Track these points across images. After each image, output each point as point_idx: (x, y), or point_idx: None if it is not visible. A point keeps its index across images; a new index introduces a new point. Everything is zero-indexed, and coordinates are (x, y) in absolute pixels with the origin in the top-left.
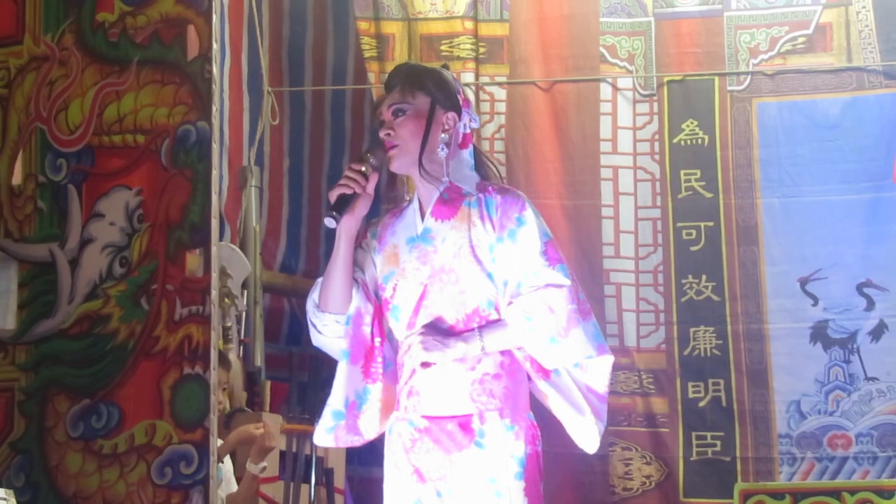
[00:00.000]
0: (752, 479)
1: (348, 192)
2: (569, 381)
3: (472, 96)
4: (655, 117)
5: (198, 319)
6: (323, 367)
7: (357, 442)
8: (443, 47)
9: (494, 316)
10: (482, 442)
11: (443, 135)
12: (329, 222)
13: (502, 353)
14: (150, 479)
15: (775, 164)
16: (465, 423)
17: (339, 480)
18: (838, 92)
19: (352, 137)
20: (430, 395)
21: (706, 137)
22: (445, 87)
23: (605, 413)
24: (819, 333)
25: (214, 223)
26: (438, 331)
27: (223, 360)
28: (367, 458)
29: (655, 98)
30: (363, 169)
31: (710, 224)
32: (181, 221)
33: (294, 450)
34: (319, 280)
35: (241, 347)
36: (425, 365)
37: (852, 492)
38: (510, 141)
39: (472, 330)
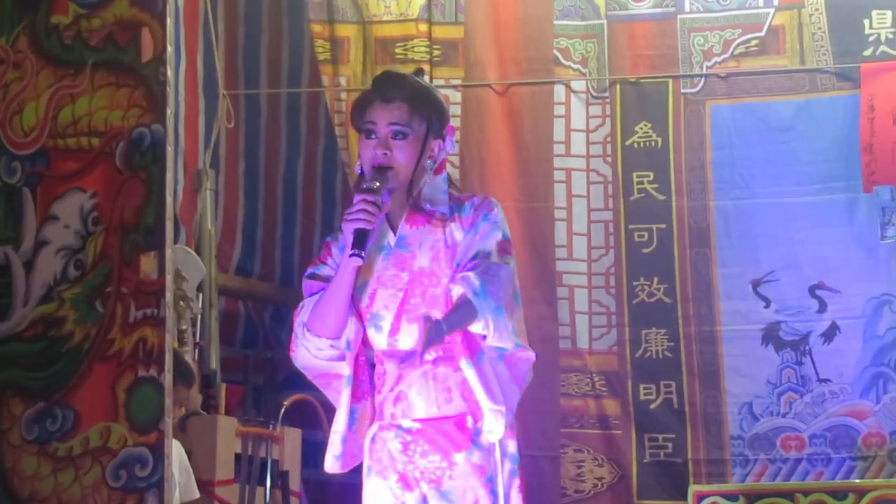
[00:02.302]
0: (704, 480)
1: (369, 227)
2: (488, 367)
3: None
4: (608, 119)
5: (152, 322)
6: (278, 371)
7: (356, 462)
8: (397, 50)
9: None
10: (479, 441)
11: (428, 161)
12: (355, 261)
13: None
14: (104, 482)
15: (728, 167)
16: (460, 423)
17: (295, 483)
18: (791, 94)
19: (307, 140)
20: (420, 398)
21: (659, 139)
22: (443, 116)
23: (513, 411)
24: (771, 335)
25: (169, 226)
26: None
27: (188, 376)
28: (322, 461)
29: (608, 100)
30: (376, 199)
31: (663, 226)
32: (136, 224)
33: (249, 453)
34: (308, 302)
35: (197, 350)
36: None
37: (806, 493)
38: (465, 144)
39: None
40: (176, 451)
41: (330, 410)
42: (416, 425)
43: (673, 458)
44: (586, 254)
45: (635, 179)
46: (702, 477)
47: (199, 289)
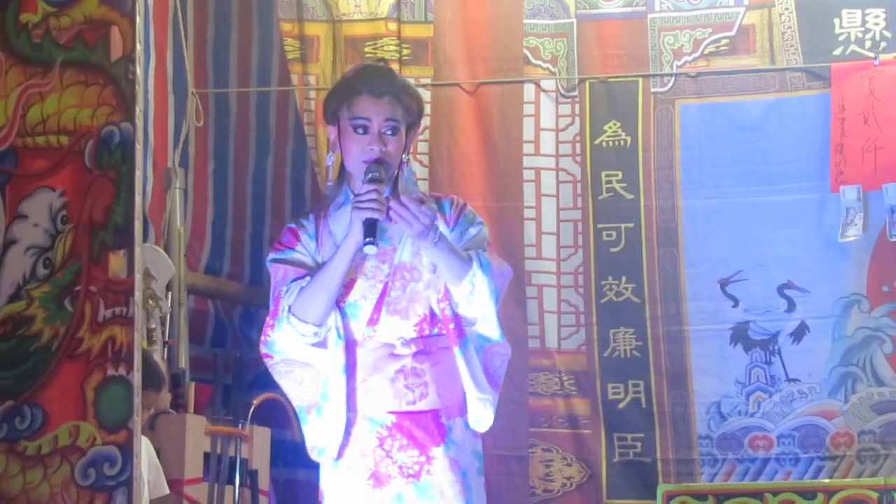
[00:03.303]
0: (673, 480)
1: (380, 217)
2: (474, 355)
3: None
4: (577, 119)
5: (121, 321)
6: (247, 370)
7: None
8: (367, 49)
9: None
10: (453, 437)
11: (404, 155)
12: (370, 249)
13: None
14: (73, 481)
15: (697, 166)
16: (436, 418)
17: (264, 482)
18: (761, 93)
19: (276, 139)
20: (396, 390)
21: (629, 139)
22: (419, 110)
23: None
24: (740, 335)
25: (138, 224)
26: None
27: (157, 380)
28: (291, 460)
29: (578, 99)
30: (378, 189)
31: (631, 225)
32: (105, 223)
33: (219, 451)
34: (294, 286)
35: (166, 349)
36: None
37: (774, 492)
38: (434, 143)
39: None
40: (145, 448)
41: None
42: (392, 418)
43: (642, 458)
44: (555, 253)
45: (604, 179)
46: (671, 476)
47: (169, 288)
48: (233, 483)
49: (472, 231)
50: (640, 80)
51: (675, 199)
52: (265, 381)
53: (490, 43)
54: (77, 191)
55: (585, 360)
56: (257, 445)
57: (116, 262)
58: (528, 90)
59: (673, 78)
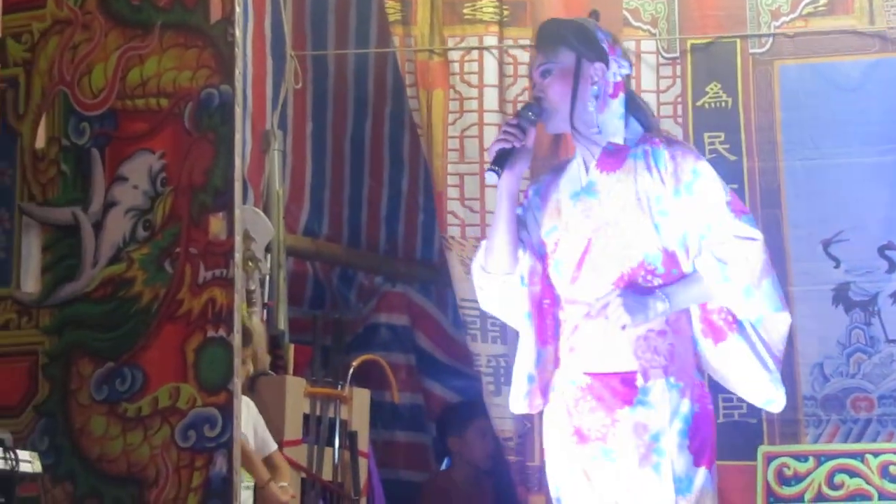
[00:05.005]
0: (778, 441)
1: (507, 146)
2: (755, 336)
3: (494, 60)
4: (678, 80)
5: (221, 283)
6: (346, 331)
7: (541, 406)
8: (465, 10)
9: (661, 270)
10: (645, 399)
11: (592, 87)
12: (490, 177)
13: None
14: (173, 442)
15: (797, 127)
16: (628, 380)
17: (363, 444)
18: (860, 54)
19: (374, 101)
20: (593, 351)
21: (729, 100)
22: (588, 39)
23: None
24: (841, 296)
25: (237, 187)
26: (636, 291)
27: (244, 335)
28: (389, 422)
29: (678, 61)
30: (520, 122)
31: (734, 187)
32: (204, 185)
33: (318, 413)
34: (483, 243)
35: (265, 311)
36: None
37: (875, 454)
38: None
39: (654, 290)
40: (246, 407)
41: (399, 371)
42: (587, 380)
43: (748, 419)
44: None
45: (706, 140)
46: (776, 437)
47: (268, 249)
48: (332, 445)
49: (711, 216)
50: (738, 41)
51: (776, 160)
52: (364, 342)
53: (589, 4)
54: (176, 153)
55: None
56: (356, 407)
57: (216, 224)
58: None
59: (771, 39)
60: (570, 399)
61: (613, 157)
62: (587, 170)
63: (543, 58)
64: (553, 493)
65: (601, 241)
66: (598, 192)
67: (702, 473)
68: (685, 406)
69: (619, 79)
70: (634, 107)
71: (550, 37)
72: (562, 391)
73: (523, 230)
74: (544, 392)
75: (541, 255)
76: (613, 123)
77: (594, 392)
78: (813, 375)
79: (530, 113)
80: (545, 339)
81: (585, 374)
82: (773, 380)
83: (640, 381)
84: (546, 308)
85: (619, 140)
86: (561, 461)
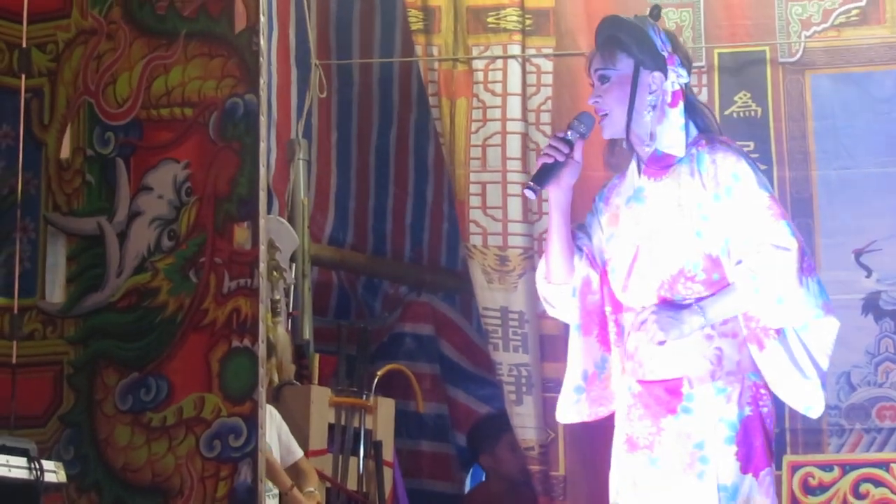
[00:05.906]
0: (801, 450)
1: (549, 161)
2: (796, 343)
3: (518, 69)
4: (705, 89)
5: (246, 292)
6: (371, 341)
7: (603, 413)
8: (489, 19)
9: (701, 276)
10: (689, 406)
11: (649, 97)
12: (529, 194)
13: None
14: (198, 452)
15: (831, 137)
16: (674, 388)
17: (388, 453)
18: (893, 64)
19: (399, 110)
20: (643, 359)
21: (759, 109)
22: (648, 47)
23: (826, 379)
24: (871, 305)
25: (262, 196)
26: (670, 306)
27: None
28: (415, 432)
29: (705, 70)
30: (567, 136)
31: None
32: (229, 194)
33: (343, 423)
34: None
35: (290, 320)
36: (660, 343)
37: None
38: (556, 113)
39: (691, 304)
40: (269, 416)
41: (423, 380)
42: (638, 388)
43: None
44: None
45: None
46: (798, 447)
47: (293, 259)
48: (357, 454)
49: (748, 221)
50: (768, 50)
51: (808, 169)
52: (389, 351)
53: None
54: (201, 162)
55: None
56: (381, 416)
57: (241, 233)
58: None
59: (801, 48)
60: (625, 406)
61: (660, 162)
62: (639, 175)
63: (601, 62)
64: (612, 500)
65: (647, 248)
66: (645, 198)
67: (748, 481)
68: (732, 411)
69: (677, 87)
70: (693, 112)
71: (611, 41)
72: (622, 397)
73: (584, 237)
74: (603, 400)
75: (602, 261)
76: (672, 134)
77: (643, 400)
78: (839, 385)
79: (580, 126)
80: (608, 346)
81: (638, 381)
82: (812, 386)
83: (685, 388)
84: (610, 314)
85: (679, 152)
86: (615, 469)
